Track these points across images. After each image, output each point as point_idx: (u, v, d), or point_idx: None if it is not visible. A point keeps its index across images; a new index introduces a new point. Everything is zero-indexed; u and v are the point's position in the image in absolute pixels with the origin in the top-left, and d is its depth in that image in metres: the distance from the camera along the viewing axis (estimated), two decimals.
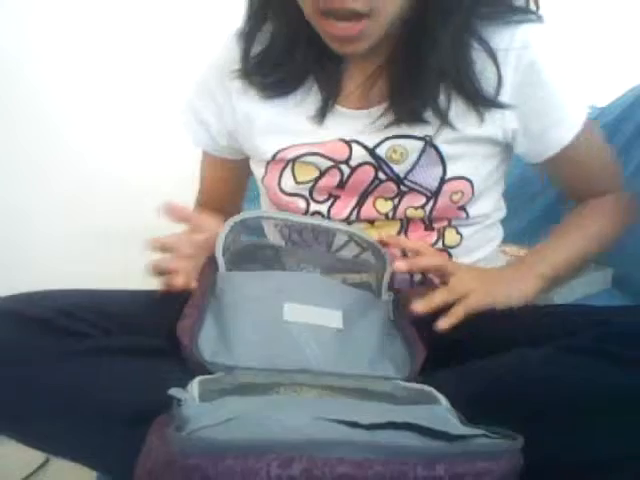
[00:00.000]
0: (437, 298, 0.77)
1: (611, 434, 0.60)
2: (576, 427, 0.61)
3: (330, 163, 0.86)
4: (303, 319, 0.73)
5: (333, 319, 0.74)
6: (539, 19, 0.83)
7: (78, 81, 1.57)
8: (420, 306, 0.76)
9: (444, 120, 0.81)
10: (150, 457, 0.54)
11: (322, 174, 0.87)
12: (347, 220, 0.88)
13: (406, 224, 0.89)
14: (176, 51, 1.57)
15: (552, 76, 0.83)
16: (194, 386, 0.60)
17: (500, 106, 0.81)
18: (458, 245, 0.90)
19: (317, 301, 0.76)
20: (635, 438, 0.59)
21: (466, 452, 0.54)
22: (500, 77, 0.81)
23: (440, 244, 0.89)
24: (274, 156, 0.89)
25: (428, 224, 0.88)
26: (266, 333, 0.71)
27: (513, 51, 0.81)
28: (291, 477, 0.48)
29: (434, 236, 0.89)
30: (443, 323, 0.75)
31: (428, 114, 0.82)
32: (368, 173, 0.86)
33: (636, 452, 0.60)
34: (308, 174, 0.88)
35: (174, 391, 0.56)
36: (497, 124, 0.83)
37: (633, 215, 0.97)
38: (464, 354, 0.70)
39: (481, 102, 0.81)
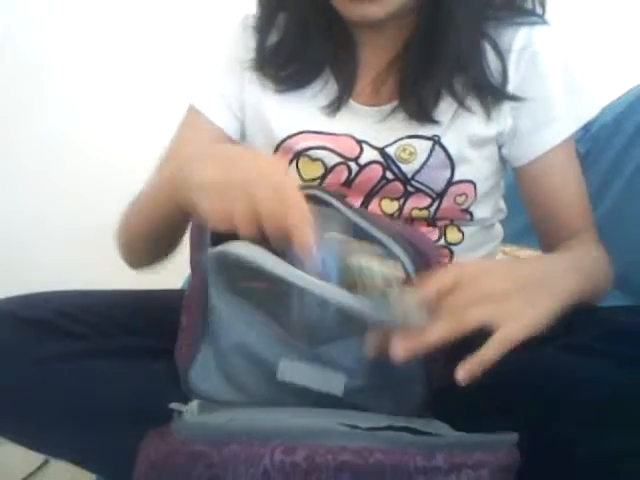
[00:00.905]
0: (435, 334, 0.58)
1: (612, 433, 0.60)
2: (576, 426, 0.61)
3: (339, 159, 0.86)
4: (299, 380, 0.65)
5: (333, 384, 0.65)
6: (544, 22, 0.83)
7: (80, 78, 1.57)
8: (400, 350, 0.57)
9: (457, 106, 0.81)
10: (149, 456, 0.55)
11: (328, 172, 0.87)
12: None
13: (410, 223, 0.89)
14: (180, 46, 1.56)
15: (550, 75, 0.83)
16: (194, 405, 0.61)
17: (510, 97, 0.81)
18: (460, 243, 0.90)
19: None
20: (636, 437, 0.59)
21: (464, 443, 0.55)
22: (506, 74, 0.81)
23: (442, 241, 0.89)
24: (282, 143, 0.87)
25: (431, 221, 0.88)
26: (259, 388, 0.67)
27: (514, 52, 0.81)
28: (294, 463, 0.49)
29: (436, 233, 0.88)
30: (460, 374, 0.58)
31: (437, 112, 0.82)
32: (376, 172, 0.85)
33: (637, 451, 0.59)
34: (314, 171, 0.87)
35: (175, 405, 0.56)
36: (502, 122, 0.84)
37: (610, 273, 0.85)
38: (464, 354, 0.70)
39: (491, 93, 0.81)
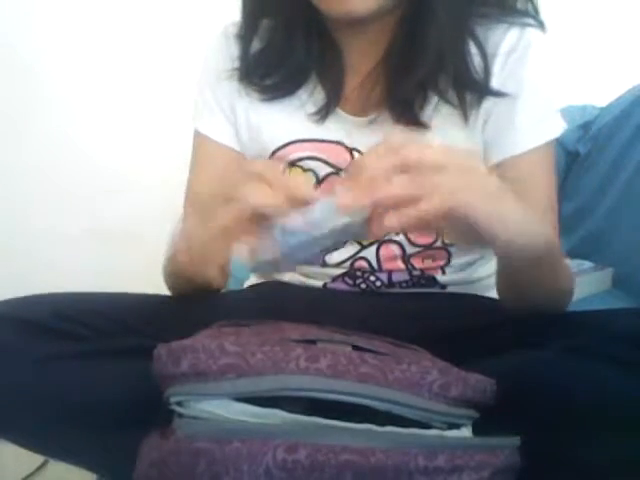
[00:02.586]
0: (382, 191, 0.55)
1: (613, 437, 0.60)
2: (577, 429, 0.61)
3: (330, 169, 0.85)
4: None
5: None
6: (538, 23, 0.82)
7: (77, 80, 1.57)
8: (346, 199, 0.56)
9: (442, 109, 0.80)
10: (150, 455, 0.55)
11: (320, 182, 0.86)
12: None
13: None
14: (180, 47, 1.56)
15: (532, 82, 0.81)
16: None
17: (492, 93, 0.80)
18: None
19: None
20: (635, 441, 0.59)
21: (466, 445, 0.55)
22: (488, 74, 0.79)
23: (439, 242, 0.88)
24: (273, 154, 0.88)
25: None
26: None
27: (502, 54, 0.80)
28: (296, 461, 0.49)
29: (433, 235, 0.88)
30: (387, 220, 0.55)
31: (424, 115, 0.81)
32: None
33: (636, 455, 0.59)
34: (306, 182, 0.86)
35: (175, 406, 0.56)
36: (478, 128, 0.83)
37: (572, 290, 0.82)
38: (464, 355, 0.70)
39: (473, 91, 0.80)
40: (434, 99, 0.81)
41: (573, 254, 1.29)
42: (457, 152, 0.61)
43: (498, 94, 0.80)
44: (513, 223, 0.61)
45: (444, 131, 0.81)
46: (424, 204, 0.54)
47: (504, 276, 0.77)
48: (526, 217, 0.63)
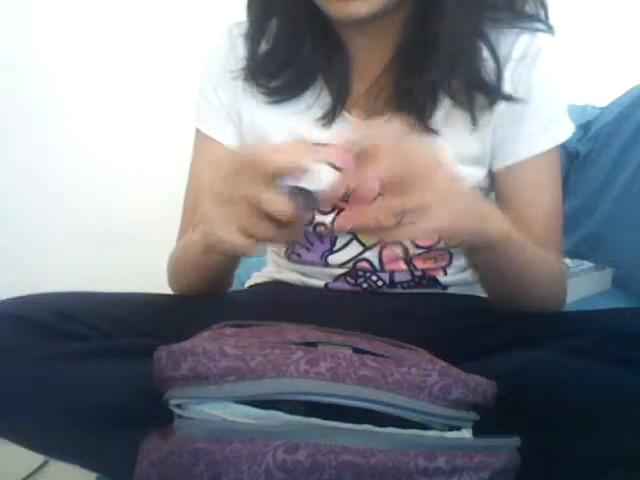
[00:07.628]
0: (374, 209, 0.65)
1: (613, 436, 0.60)
2: (577, 428, 0.61)
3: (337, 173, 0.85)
4: None
5: None
6: (548, 28, 0.81)
7: (79, 81, 1.57)
8: (345, 220, 0.65)
9: (449, 116, 0.80)
10: (150, 455, 0.55)
11: None
12: (351, 231, 0.88)
13: None
14: (173, 50, 1.56)
15: (542, 87, 0.81)
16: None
17: (504, 97, 0.79)
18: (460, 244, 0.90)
19: None
20: (637, 439, 0.59)
21: (466, 445, 0.55)
22: (500, 79, 0.79)
23: (442, 244, 0.88)
24: None
25: None
26: None
27: (514, 60, 0.80)
28: (296, 462, 0.49)
29: (435, 236, 0.88)
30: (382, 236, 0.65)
31: (434, 119, 0.80)
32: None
33: (638, 453, 0.59)
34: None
35: (174, 406, 0.56)
36: (488, 137, 0.82)
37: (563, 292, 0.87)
38: (464, 355, 0.70)
39: (485, 94, 0.79)
40: (444, 103, 0.80)
41: (573, 254, 1.29)
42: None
43: (510, 99, 0.79)
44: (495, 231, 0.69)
45: (453, 136, 0.81)
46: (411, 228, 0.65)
47: (487, 286, 0.82)
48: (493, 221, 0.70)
